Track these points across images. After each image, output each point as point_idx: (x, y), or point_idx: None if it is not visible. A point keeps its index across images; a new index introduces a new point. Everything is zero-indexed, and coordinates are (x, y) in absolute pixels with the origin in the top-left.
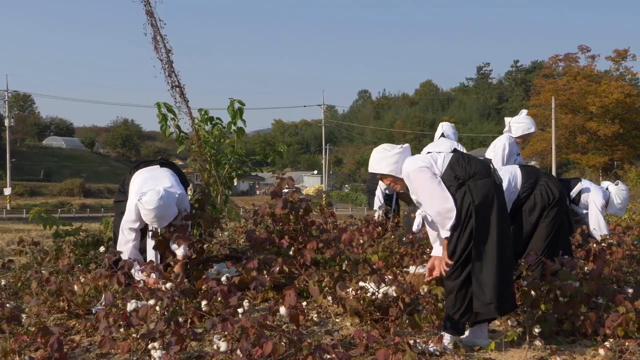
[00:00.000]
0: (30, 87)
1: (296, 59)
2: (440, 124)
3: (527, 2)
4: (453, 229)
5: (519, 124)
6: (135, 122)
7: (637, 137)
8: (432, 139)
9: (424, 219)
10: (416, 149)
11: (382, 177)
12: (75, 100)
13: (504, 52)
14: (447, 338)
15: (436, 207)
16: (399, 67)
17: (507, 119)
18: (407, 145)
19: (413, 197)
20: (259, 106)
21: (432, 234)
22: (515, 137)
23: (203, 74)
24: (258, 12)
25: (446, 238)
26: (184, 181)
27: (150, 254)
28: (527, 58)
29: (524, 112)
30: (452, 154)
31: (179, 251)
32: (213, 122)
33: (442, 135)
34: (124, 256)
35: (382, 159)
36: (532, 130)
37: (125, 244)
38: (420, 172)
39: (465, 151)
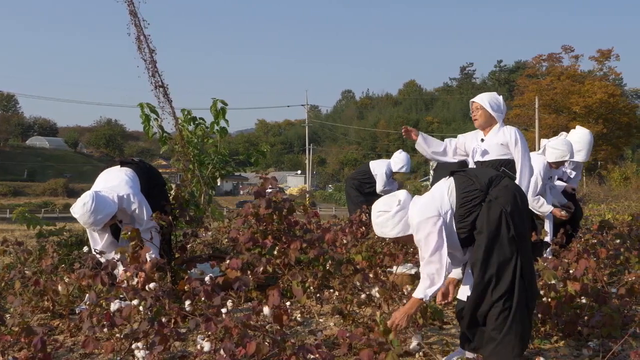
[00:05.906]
0: (14, 87)
1: (279, 59)
2: None
3: (511, 2)
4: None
5: (554, 150)
6: (118, 122)
7: (620, 137)
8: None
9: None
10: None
11: (394, 240)
12: (59, 100)
13: (488, 52)
14: None
15: (430, 269)
16: (382, 67)
17: (543, 141)
18: (404, 192)
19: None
20: (242, 106)
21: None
22: (549, 162)
23: (186, 74)
24: (242, 12)
25: (421, 299)
26: (151, 180)
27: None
28: (510, 58)
29: (563, 135)
30: (451, 178)
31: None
32: (196, 122)
33: None
34: (102, 254)
35: (384, 223)
36: (567, 157)
37: (95, 245)
38: (427, 223)
39: None
